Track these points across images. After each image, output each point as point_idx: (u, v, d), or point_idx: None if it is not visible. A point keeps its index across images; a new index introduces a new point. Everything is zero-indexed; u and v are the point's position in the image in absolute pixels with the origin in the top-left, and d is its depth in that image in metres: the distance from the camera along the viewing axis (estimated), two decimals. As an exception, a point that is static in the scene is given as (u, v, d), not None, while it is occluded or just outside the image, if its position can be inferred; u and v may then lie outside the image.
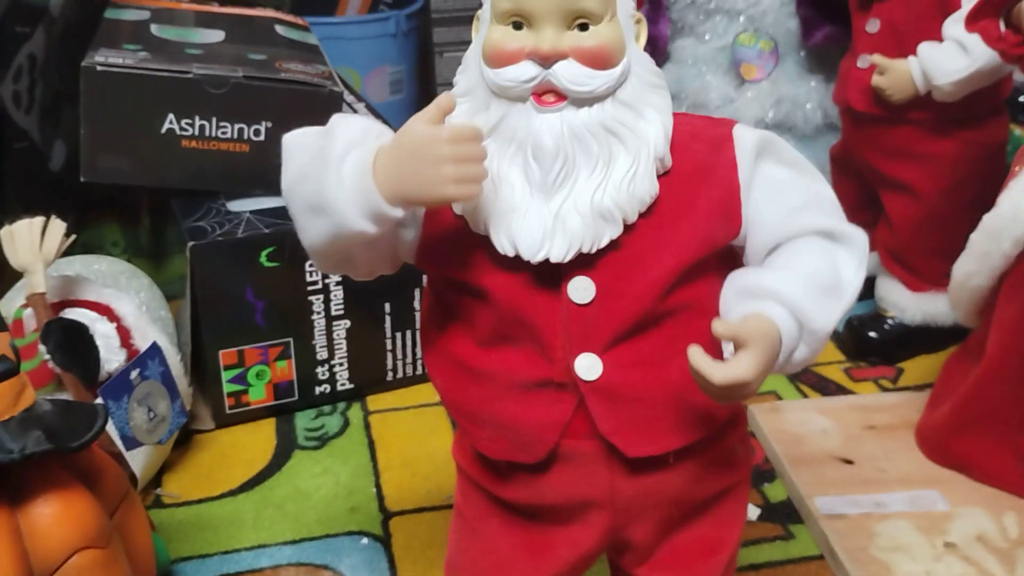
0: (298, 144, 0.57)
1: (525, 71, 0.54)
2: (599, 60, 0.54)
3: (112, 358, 0.89)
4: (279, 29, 1.25)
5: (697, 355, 0.53)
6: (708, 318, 0.57)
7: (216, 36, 1.15)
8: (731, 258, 0.61)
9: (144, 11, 1.21)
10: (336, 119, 0.55)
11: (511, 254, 0.55)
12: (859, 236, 0.59)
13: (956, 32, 0.98)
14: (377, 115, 1.27)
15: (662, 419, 0.58)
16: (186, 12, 1.26)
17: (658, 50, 1.41)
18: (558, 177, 0.55)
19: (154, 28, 1.14)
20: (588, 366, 0.57)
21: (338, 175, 0.53)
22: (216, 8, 1.31)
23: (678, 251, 0.56)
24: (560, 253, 0.55)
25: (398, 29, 1.64)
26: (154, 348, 0.91)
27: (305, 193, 0.55)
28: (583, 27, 0.55)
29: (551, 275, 0.56)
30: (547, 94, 0.55)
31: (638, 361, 0.57)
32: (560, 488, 0.60)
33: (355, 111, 1.27)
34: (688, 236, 0.56)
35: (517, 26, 0.55)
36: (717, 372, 0.52)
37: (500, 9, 0.55)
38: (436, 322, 0.62)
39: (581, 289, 0.56)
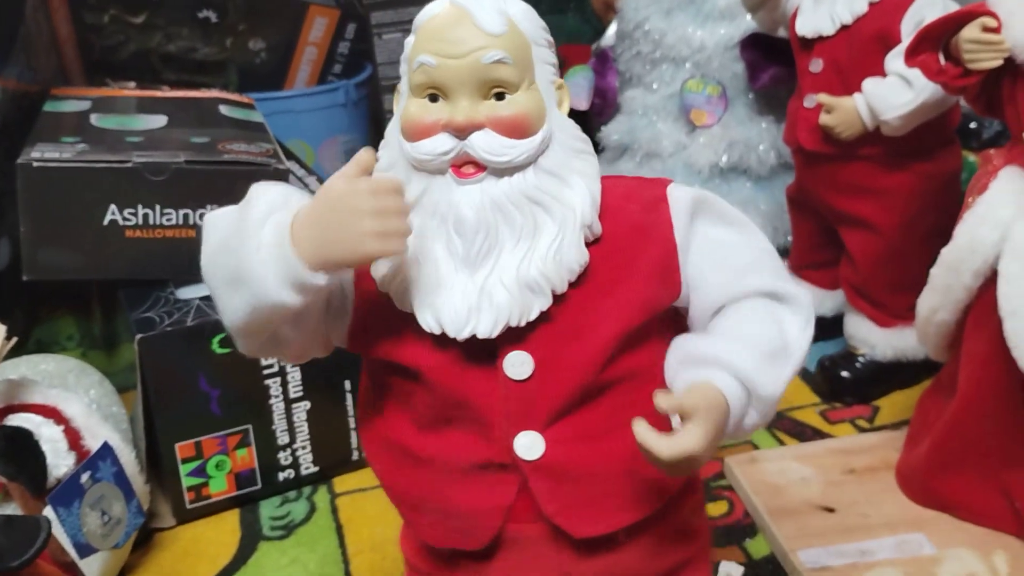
0: (217, 218, 0.55)
1: (441, 144, 0.53)
2: (516, 129, 0.54)
3: (60, 463, 0.85)
4: (223, 109, 1.24)
5: (642, 430, 0.51)
6: (653, 386, 0.55)
7: (158, 121, 1.14)
8: (675, 322, 0.59)
9: (85, 101, 1.20)
10: (255, 188, 0.53)
11: (437, 332, 0.53)
12: (803, 296, 0.58)
13: (898, 66, 0.98)
14: (329, 188, 1.26)
15: (609, 496, 0.56)
16: (128, 99, 1.25)
17: (608, 102, 1.42)
18: (481, 250, 0.53)
19: (94, 118, 1.13)
20: (528, 445, 0.55)
21: (256, 241, 0.51)
22: (160, 92, 1.30)
23: (617, 318, 0.55)
24: (487, 328, 0.53)
25: (348, 99, 1.64)
26: (105, 448, 0.88)
27: (224, 265, 0.53)
28: (499, 96, 0.54)
29: (486, 352, 0.55)
30: (466, 165, 0.54)
31: (581, 436, 0.55)
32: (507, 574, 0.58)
33: (306, 184, 1.26)
34: (626, 301, 0.55)
35: (433, 98, 0.54)
36: (664, 447, 0.50)
37: (415, 82, 0.54)
38: (373, 405, 0.60)
39: (518, 364, 0.54)
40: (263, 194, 0.53)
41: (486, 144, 0.53)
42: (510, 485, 0.56)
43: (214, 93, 1.33)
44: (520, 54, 0.54)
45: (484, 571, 0.58)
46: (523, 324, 0.53)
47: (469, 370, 0.55)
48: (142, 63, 1.57)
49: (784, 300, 0.57)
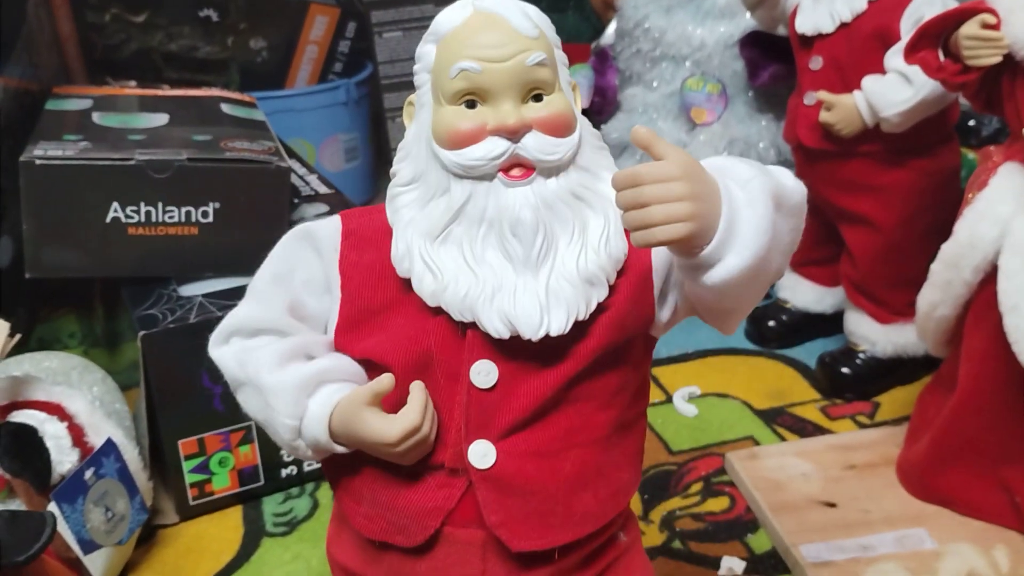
0: (242, 389, 0.59)
1: (492, 148, 0.54)
2: (560, 128, 0.54)
3: (64, 459, 0.85)
4: (225, 108, 1.24)
5: (617, 173, 0.50)
6: (609, 412, 0.56)
7: (160, 120, 1.14)
8: (645, 350, 0.59)
9: (86, 100, 1.20)
10: (256, 378, 0.57)
11: (507, 335, 0.54)
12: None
13: (898, 63, 0.98)
14: (329, 185, 1.26)
15: (551, 513, 0.56)
16: (130, 98, 1.25)
17: (608, 100, 1.42)
18: (541, 250, 0.54)
19: (96, 116, 1.13)
20: (481, 453, 0.56)
21: (296, 443, 0.57)
22: (161, 91, 1.30)
23: (588, 337, 0.55)
24: (560, 326, 0.53)
25: (348, 97, 1.65)
26: (109, 445, 0.88)
27: (252, 413, 0.59)
28: (537, 98, 0.55)
29: (455, 357, 0.55)
30: (514, 168, 0.54)
31: (533, 451, 0.56)
32: (430, 574, 0.58)
33: (307, 183, 1.26)
34: (600, 321, 0.55)
35: (470, 104, 0.54)
36: (643, 168, 0.48)
37: (452, 89, 0.54)
38: None
39: (483, 373, 0.55)
40: (282, 408, 0.56)
41: (537, 145, 0.54)
42: (455, 489, 0.56)
43: (215, 92, 1.33)
44: (551, 55, 0.55)
45: (408, 566, 0.58)
46: (587, 317, 0.54)
47: (438, 374, 0.56)
48: (144, 62, 1.57)
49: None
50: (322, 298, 0.58)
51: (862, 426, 1.09)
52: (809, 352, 1.23)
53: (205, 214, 1.01)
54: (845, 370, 1.14)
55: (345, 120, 1.67)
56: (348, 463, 0.58)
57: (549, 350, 0.55)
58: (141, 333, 0.93)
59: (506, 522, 0.56)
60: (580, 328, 0.55)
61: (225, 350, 0.58)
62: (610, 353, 0.56)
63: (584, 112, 1.57)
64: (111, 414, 0.96)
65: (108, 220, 0.99)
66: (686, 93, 1.32)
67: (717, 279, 0.50)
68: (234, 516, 1.00)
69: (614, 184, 0.50)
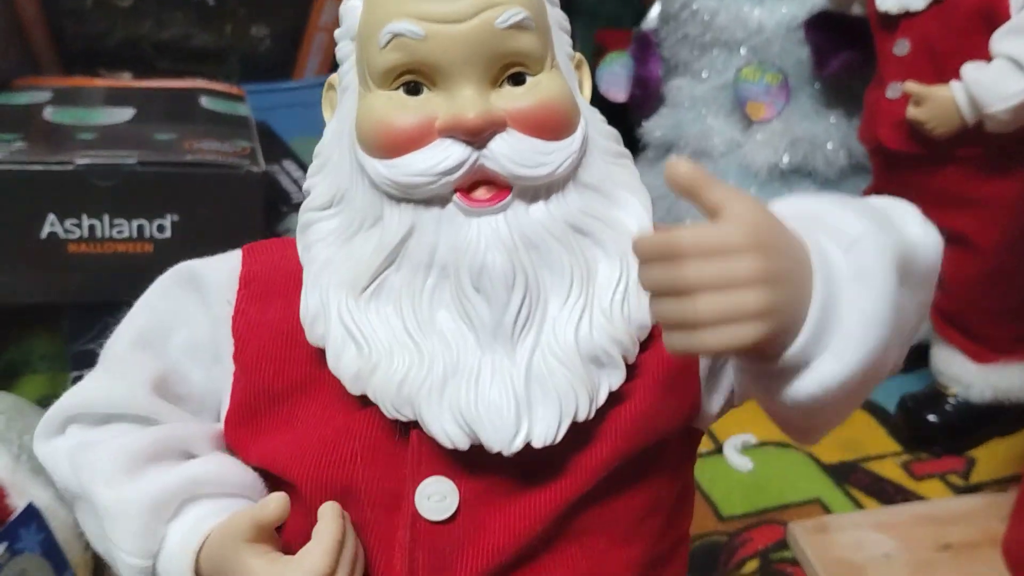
0: (78, 504, 0.44)
1: (443, 156, 0.37)
2: (552, 125, 0.38)
3: (-28, 535, 0.71)
4: (204, 101, 1.13)
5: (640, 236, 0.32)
6: (633, 547, 0.39)
7: (123, 115, 1.02)
8: (685, 449, 0.42)
9: (45, 92, 1.09)
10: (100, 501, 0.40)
11: (465, 445, 0.36)
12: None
13: (1008, 47, 0.86)
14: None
15: None
16: (96, 89, 1.14)
17: (650, 93, 1.33)
18: (520, 313, 0.37)
19: (48, 111, 1.01)
20: None
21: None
22: (132, 83, 1.19)
23: (595, 441, 0.38)
24: (547, 433, 0.36)
25: (362, 89, 1.51)
26: (28, 513, 0.75)
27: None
28: (516, 79, 0.38)
29: (393, 472, 0.39)
30: (478, 188, 0.37)
31: None
32: None
33: (299, 187, 1.13)
34: (614, 418, 0.38)
35: (412, 89, 0.38)
36: (686, 233, 0.31)
37: (383, 65, 0.37)
38: None
39: (436, 497, 0.38)
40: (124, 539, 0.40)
41: (514, 152, 0.37)
42: None
43: (198, 83, 1.22)
44: (540, 14, 0.39)
45: None
46: (591, 416, 0.37)
47: (363, 497, 0.39)
48: (132, 53, 1.45)
49: None
50: (211, 369, 0.43)
51: (955, 489, 0.93)
52: (888, 393, 1.06)
53: (161, 228, 0.88)
54: (932, 417, 1.00)
55: (359, 113, 1.55)
56: None
57: (536, 462, 0.37)
58: (73, 375, 0.79)
59: None
60: (583, 430, 0.37)
61: (58, 444, 0.42)
62: (631, 463, 0.39)
63: (622, 107, 1.41)
64: (40, 469, 0.81)
65: (43, 235, 0.86)
66: (741, 85, 1.19)
67: (804, 394, 0.32)
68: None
69: (636, 251, 0.32)
